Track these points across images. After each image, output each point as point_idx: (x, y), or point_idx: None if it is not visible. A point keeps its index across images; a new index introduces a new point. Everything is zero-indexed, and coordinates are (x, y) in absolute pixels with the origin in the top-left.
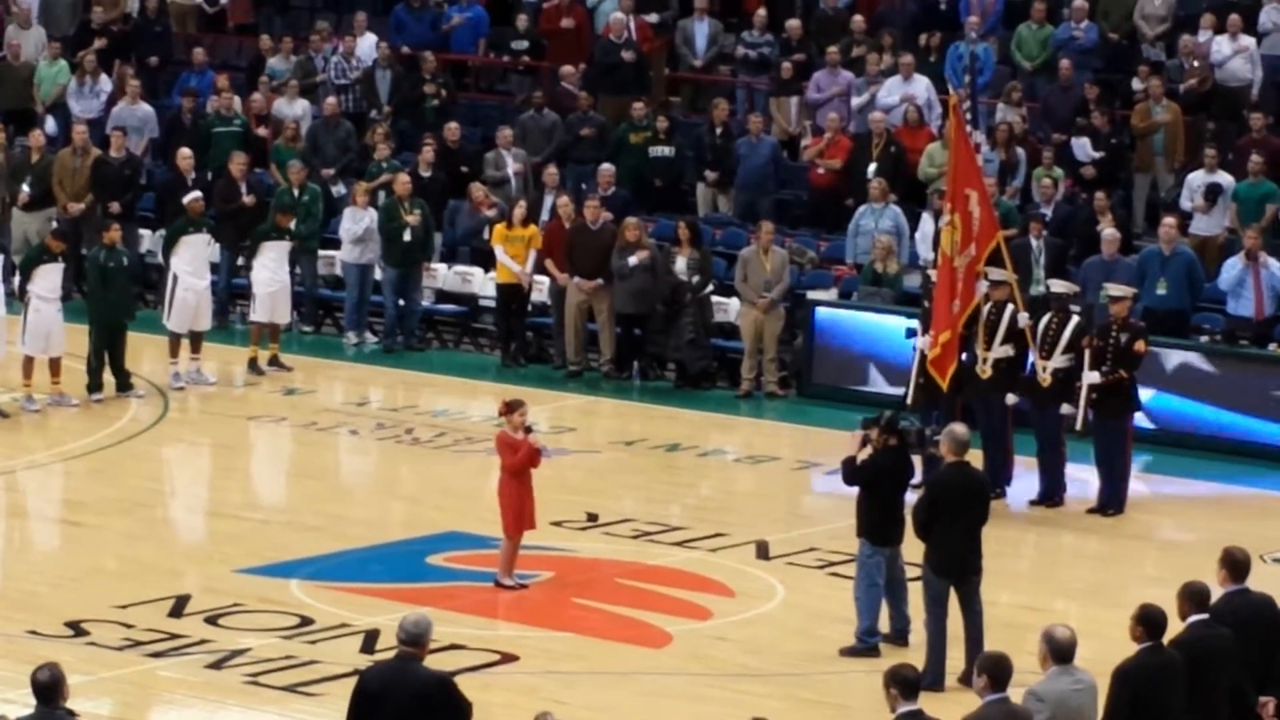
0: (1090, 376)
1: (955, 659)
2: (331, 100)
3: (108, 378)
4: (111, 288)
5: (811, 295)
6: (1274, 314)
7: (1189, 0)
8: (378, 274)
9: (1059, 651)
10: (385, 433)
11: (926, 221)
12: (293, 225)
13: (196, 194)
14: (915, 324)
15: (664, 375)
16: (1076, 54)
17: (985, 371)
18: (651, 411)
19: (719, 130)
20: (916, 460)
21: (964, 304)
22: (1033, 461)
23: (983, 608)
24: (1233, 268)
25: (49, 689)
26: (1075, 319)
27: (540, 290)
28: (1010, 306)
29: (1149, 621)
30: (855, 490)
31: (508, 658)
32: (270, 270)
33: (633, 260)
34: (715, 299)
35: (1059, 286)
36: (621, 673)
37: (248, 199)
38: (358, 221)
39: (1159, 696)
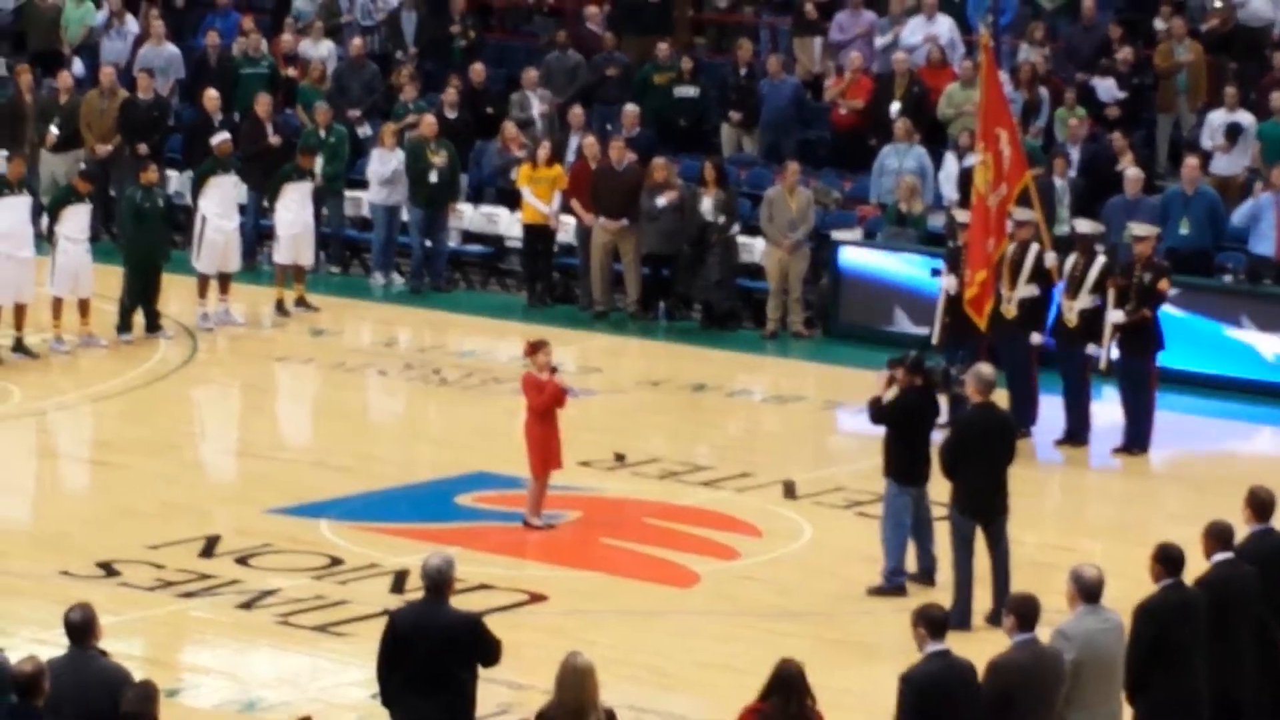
0: (1114, 315)
1: (982, 599)
2: (357, 41)
3: (137, 319)
4: (147, 228)
5: (836, 235)
6: None
7: None
8: (405, 215)
9: (1087, 591)
10: (413, 373)
11: (950, 161)
12: (317, 166)
13: (224, 135)
14: (940, 263)
15: (690, 315)
16: None
17: (1010, 311)
18: (677, 351)
19: (743, 71)
20: (942, 400)
21: (998, 242)
22: (1058, 401)
23: (1009, 547)
24: (1250, 204)
25: (81, 629)
26: (1101, 259)
27: (566, 231)
28: (1035, 246)
29: (1168, 559)
30: (881, 430)
31: (536, 598)
32: (293, 212)
33: (661, 201)
34: (741, 239)
35: (1084, 226)
36: (649, 612)
37: (274, 140)
38: (385, 163)
39: (1180, 633)
